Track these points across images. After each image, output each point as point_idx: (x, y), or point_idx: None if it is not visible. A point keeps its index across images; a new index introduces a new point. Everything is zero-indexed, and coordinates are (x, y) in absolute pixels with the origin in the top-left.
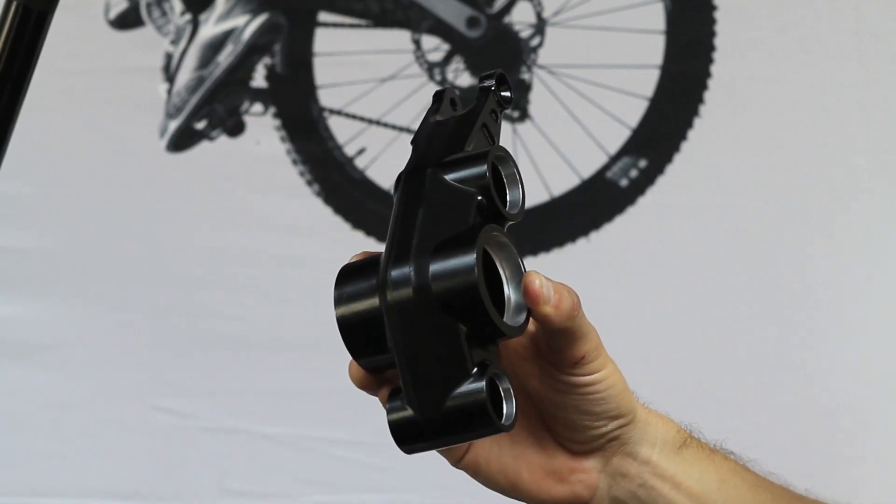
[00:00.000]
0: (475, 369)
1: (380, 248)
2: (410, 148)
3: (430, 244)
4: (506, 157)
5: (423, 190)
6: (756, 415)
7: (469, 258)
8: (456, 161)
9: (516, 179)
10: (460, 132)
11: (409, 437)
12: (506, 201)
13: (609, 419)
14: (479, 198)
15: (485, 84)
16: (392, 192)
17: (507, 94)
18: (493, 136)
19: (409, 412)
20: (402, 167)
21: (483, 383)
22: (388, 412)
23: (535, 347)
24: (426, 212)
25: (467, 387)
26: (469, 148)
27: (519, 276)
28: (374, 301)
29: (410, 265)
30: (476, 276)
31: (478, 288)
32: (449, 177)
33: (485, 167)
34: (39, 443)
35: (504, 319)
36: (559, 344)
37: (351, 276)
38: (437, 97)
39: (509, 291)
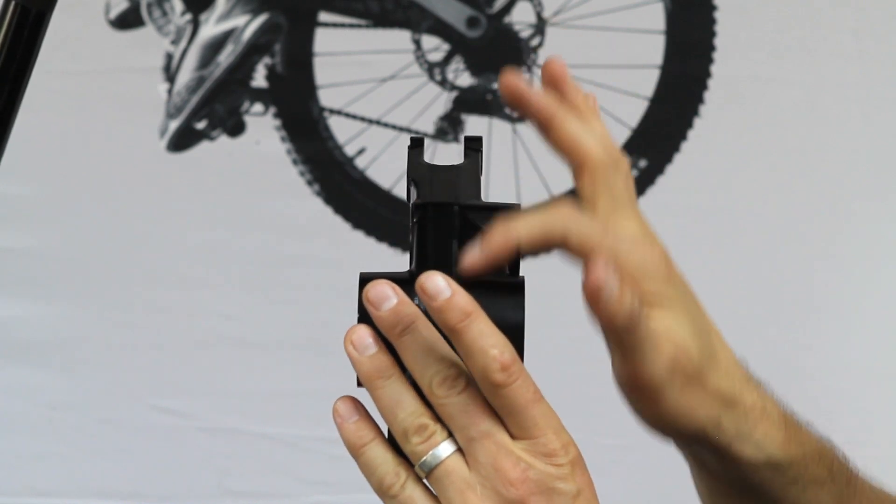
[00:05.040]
0: None
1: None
2: (407, 155)
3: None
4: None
5: (452, 224)
6: None
7: (519, 312)
8: (480, 207)
9: None
10: (471, 181)
11: None
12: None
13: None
14: None
15: (472, 146)
16: (411, 216)
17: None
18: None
19: None
20: (405, 170)
21: None
22: None
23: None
24: (459, 246)
25: None
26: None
27: None
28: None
29: None
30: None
31: (522, 327)
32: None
33: None
34: (39, 443)
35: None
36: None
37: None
38: (417, 143)
39: None
